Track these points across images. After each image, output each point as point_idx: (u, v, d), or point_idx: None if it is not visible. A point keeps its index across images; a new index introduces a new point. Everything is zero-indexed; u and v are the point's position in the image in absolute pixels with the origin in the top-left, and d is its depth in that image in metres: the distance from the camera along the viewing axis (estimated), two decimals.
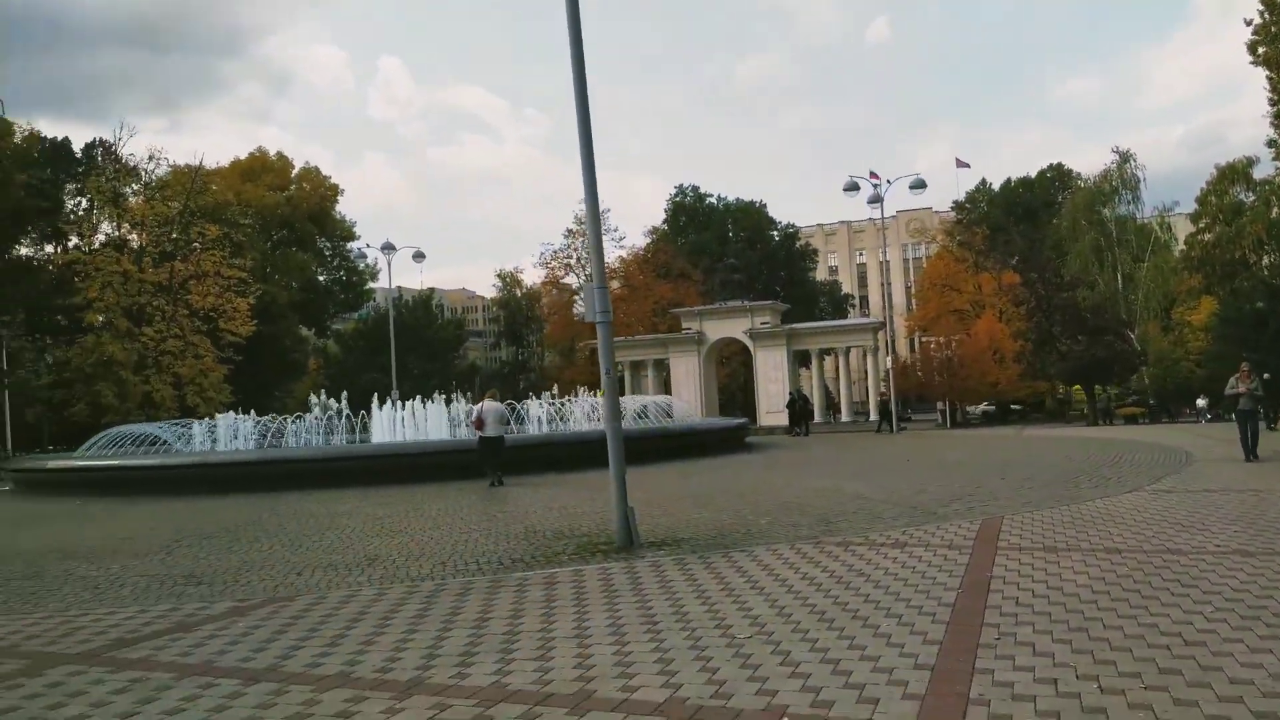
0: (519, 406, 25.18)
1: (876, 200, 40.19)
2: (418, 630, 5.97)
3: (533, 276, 74.91)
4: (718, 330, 54.10)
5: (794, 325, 58.56)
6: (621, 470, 9.25)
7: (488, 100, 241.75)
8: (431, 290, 66.71)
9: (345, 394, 25.95)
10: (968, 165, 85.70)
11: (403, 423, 24.71)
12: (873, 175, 38.37)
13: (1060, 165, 68.41)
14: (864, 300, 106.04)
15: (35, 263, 39.20)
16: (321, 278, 60.81)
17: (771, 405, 45.44)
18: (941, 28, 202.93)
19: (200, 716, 4.44)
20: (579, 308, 66.42)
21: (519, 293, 77.10)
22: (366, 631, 6.02)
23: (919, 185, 39.01)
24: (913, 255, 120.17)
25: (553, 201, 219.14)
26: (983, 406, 59.44)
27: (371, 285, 65.92)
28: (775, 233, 79.17)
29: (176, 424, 24.02)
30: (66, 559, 10.24)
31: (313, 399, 24.37)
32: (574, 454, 19.52)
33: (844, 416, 50.04)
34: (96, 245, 44.43)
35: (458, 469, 18.33)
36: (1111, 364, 44.40)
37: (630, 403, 26.52)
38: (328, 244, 61.20)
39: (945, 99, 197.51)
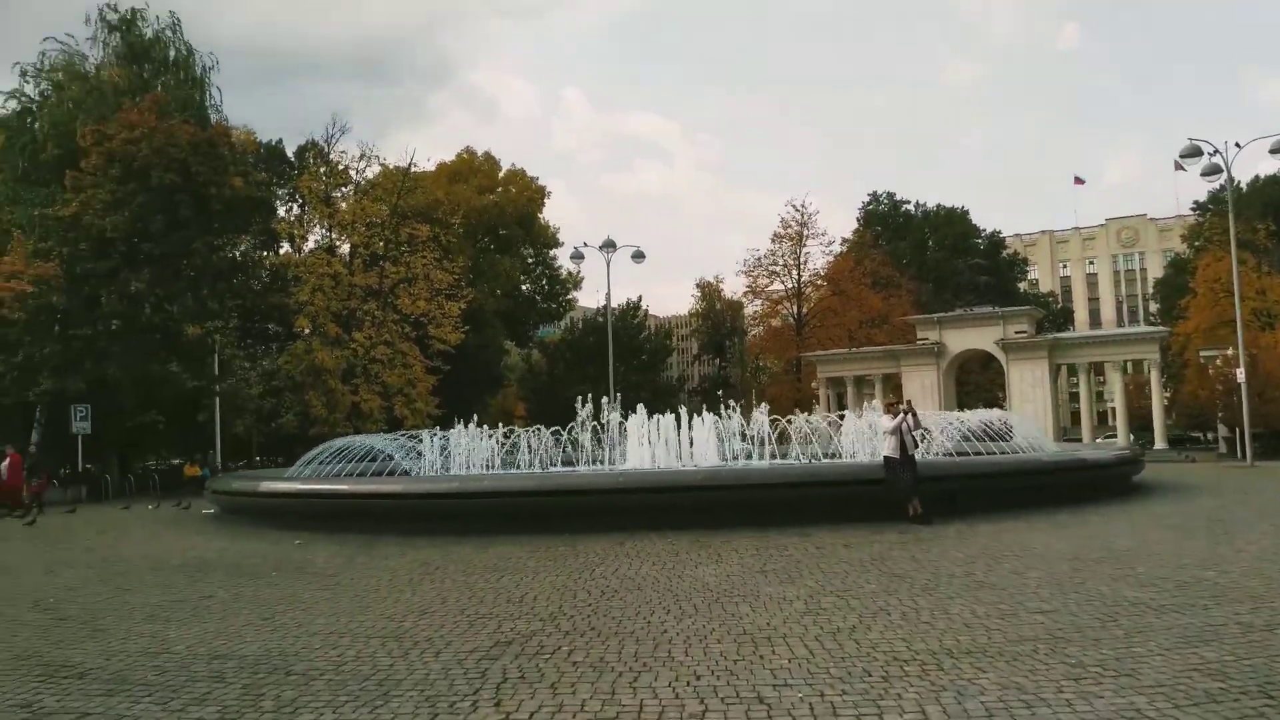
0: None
1: (1215, 172, 31.61)
2: None
3: (733, 286, 69.91)
4: (961, 341, 47.18)
5: (1058, 335, 50.38)
6: None
7: (660, 125, 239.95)
8: (640, 298, 61.89)
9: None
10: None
11: (664, 441, 19.35)
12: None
13: None
14: (1069, 315, 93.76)
15: (250, 261, 36.93)
16: (525, 286, 57.39)
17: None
18: (1127, 33, 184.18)
19: None
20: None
21: (718, 305, 72.05)
22: None
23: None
24: (1124, 267, 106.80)
25: (724, 223, 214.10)
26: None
27: (574, 295, 62.11)
28: (980, 240, 73.45)
29: (411, 436, 19.41)
30: (299, 687, 5.12)
31: (581, 407, 19.26)
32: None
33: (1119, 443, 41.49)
34: (307, 249, 42.34)
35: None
36: None
37: (956, 421, 19.83)
38: (531, 251, 57.68)
39: (1133, 106, 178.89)
